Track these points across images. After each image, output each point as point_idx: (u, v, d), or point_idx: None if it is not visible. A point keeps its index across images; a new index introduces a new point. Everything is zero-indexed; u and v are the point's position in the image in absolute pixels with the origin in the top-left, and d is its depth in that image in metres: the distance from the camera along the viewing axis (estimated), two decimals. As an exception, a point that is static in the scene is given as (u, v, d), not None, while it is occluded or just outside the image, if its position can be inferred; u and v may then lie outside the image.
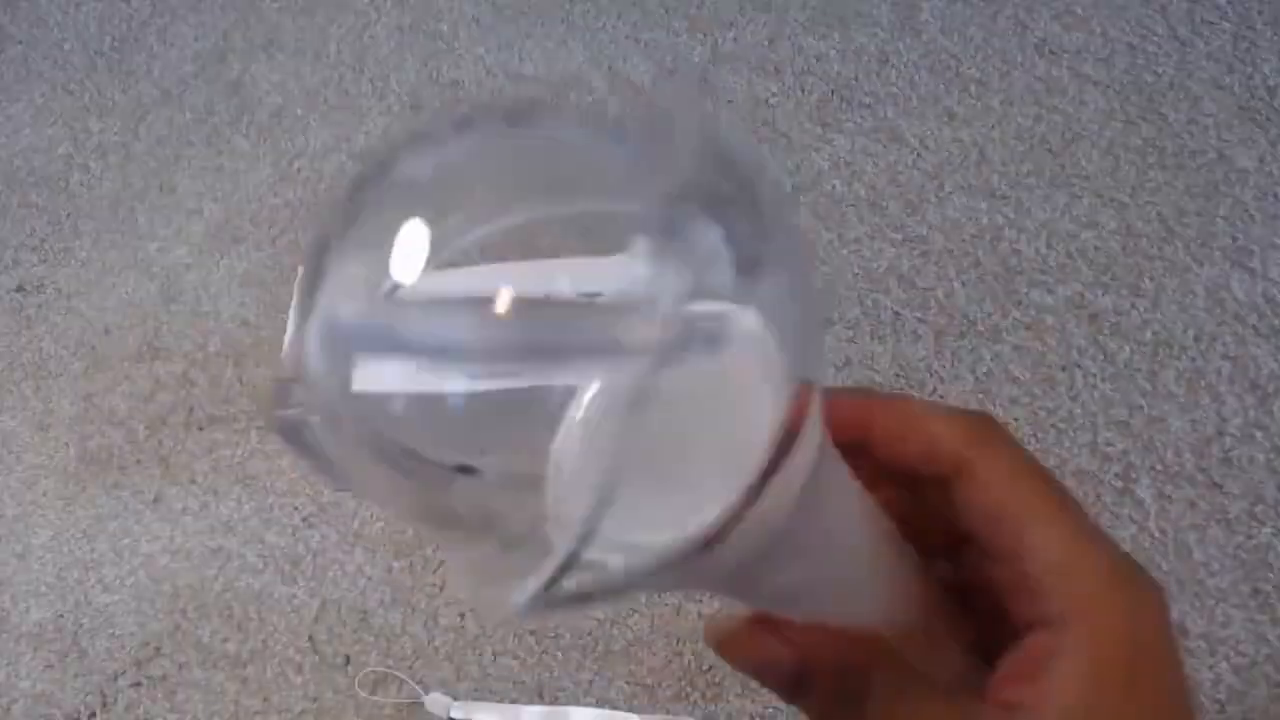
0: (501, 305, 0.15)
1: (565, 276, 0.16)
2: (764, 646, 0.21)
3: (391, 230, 0.16)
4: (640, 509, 0.16)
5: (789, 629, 0.21)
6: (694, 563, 0.16)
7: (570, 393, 0.16)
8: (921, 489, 0.22)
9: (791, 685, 0.21)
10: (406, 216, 0.16)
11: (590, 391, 0.16)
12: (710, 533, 0.16)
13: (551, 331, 0.15)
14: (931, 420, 0.22)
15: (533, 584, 0.15)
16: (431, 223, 0.16)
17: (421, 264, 0.15)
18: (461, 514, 0.16)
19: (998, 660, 0.21)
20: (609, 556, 0.16)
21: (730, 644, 0.21)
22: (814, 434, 0.17)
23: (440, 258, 0.15)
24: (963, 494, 0.21)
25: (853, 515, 0.21)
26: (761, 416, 0.16)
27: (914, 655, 0.22)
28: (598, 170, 0.18)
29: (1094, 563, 0.21)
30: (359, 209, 0.17)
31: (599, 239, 0.16)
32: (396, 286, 0.15)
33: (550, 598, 0.15)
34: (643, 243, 0.15)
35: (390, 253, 0.15)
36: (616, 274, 0.15)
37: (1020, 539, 0.21)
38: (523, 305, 0.15)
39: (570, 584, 0.15)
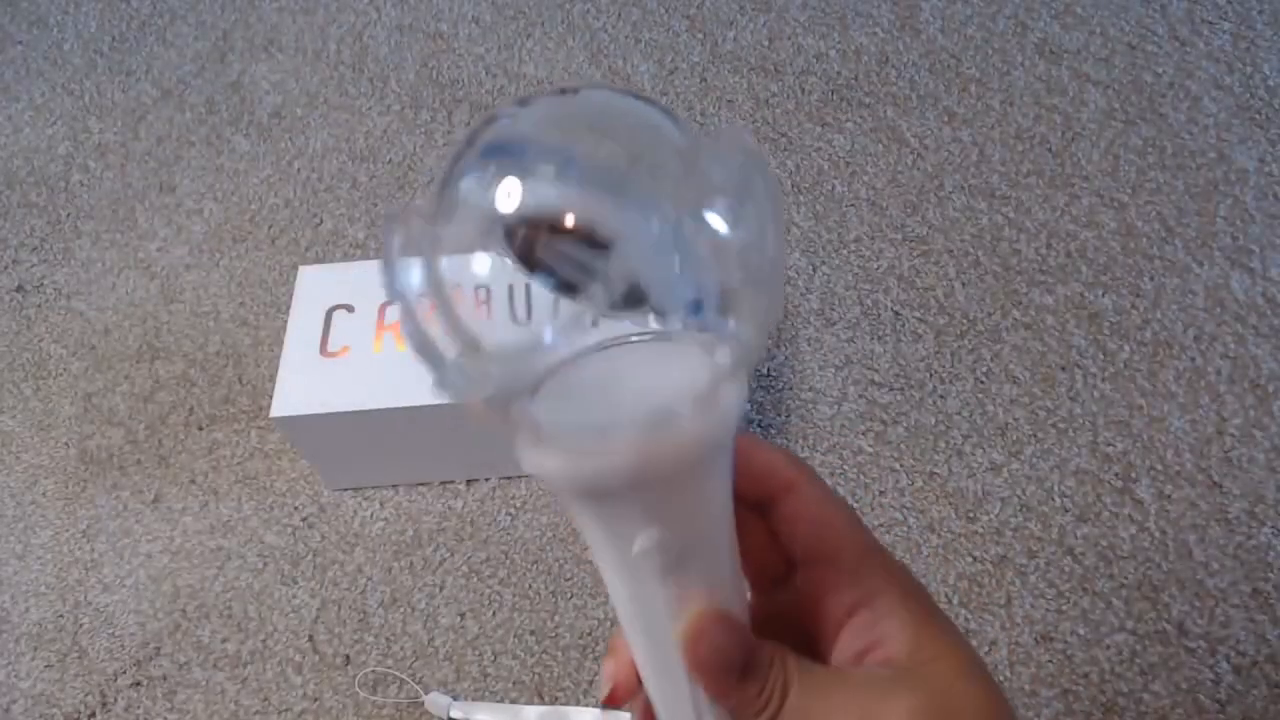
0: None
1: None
2: (726, 636, 0.26)
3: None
4: (597, 406, 0.22)
5: (735, 621, 0.26)
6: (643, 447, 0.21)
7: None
8: (757, 521, 0.28)
9: (739, 675, 0.26)
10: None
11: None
12: (668, 413, 0.21)
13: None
14: (766, 450, 0.28)
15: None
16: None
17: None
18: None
19: (824, 660, 0.27)
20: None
21: (698, 631, 0.26)
22: (729, 413, 0.22)
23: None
24: (790, 507, 0.28)
25: (724, 516, 0.25)
26: (704, 382, 0.22)
27: None
28: (663, 142, 0.23)
29: (885, 553, 0.28)
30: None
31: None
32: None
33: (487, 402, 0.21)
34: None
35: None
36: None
37: (834, 543, 0.28)
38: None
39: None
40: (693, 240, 0.21)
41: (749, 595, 0.29)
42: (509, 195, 0.21)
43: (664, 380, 0.23)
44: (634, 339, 0.24)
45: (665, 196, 0.22)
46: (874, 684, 0.26)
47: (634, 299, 0.21)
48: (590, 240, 0.21)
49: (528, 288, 0.22)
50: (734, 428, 0.23)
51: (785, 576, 0.29)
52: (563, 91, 0.24)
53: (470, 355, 0.22)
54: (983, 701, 0.26)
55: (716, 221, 0.22)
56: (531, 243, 0.21)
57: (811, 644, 0.28)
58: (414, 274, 0.21)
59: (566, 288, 0.21)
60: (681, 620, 0.25)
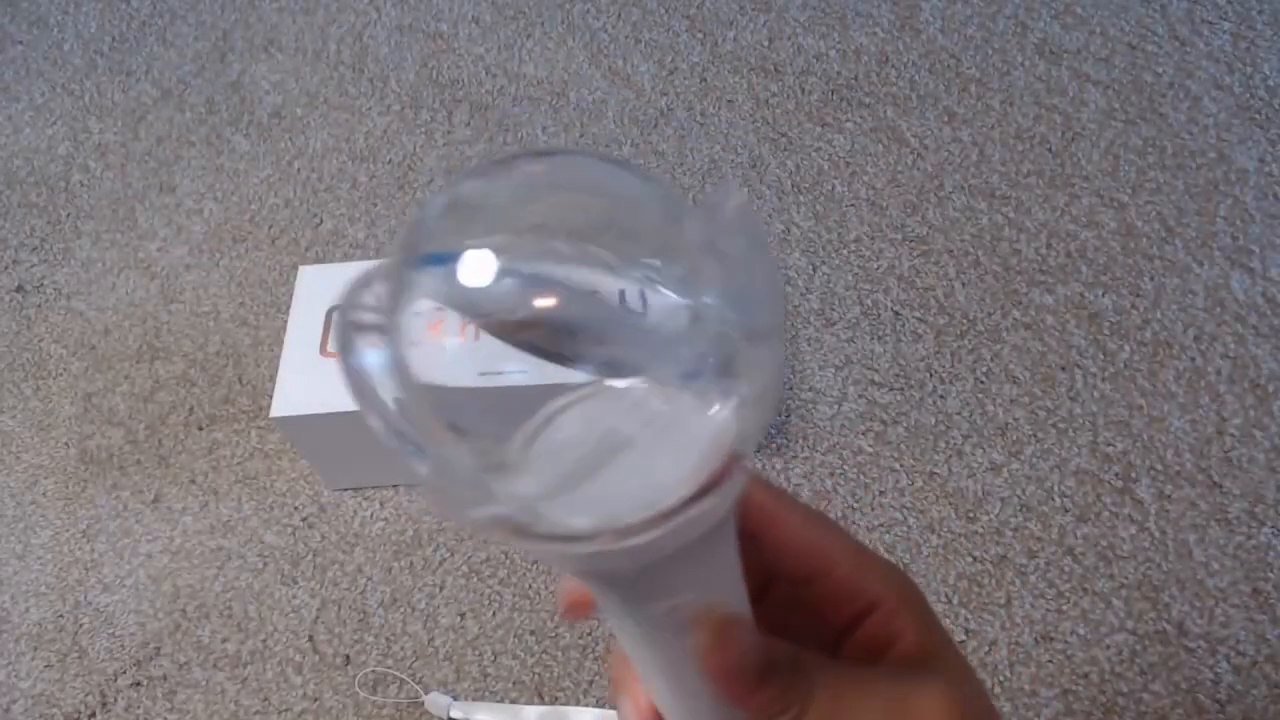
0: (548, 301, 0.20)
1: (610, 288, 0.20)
2: (739, 639, 0.25)
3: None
4: (593, 494, 0.20)
5: (747, 624, 0.26)
6: (621, 543, 0.20)
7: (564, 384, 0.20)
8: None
9: (755, 678, 0.25)
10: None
11: (579, 388, 0.20)
12: (651, 516, 0.19)
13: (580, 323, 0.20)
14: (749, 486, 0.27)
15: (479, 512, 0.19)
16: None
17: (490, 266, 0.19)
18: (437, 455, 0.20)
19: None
20: (555, 514, 0.20)
21: (709, 636, 0.25)
22: (734, 488, 0.21)
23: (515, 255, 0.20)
24: (774, 538, 0.28)
25: (735, 568, 0.25)
26: (706, 458, 0.20)
27: None
28: (643, 208, 0.22)
29: (875, 556, 0.28)
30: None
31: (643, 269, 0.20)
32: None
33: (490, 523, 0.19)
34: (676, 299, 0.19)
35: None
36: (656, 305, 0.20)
37: (826, 558, 0.28)
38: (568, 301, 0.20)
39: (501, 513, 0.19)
40: (675, 310, 0.20)
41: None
42: (474, 281, 0.19)
43: (666, 451, 0.21)
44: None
45: (642, 266, 0.20)
46: (898, 677, 0.26)
47: (628, 368, 0.21)
48: (568, 320, 0.20)
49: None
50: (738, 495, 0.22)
51: (762, 592, 0.29)
52: (538, 155, 0.23)
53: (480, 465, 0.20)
54: (981, 688, 0.27)
55: (708, 288, 0.20)
56: (506, 327, 0.20)
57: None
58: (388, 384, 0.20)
59: (550, 355, 0.20)
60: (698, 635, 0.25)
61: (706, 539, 0.22)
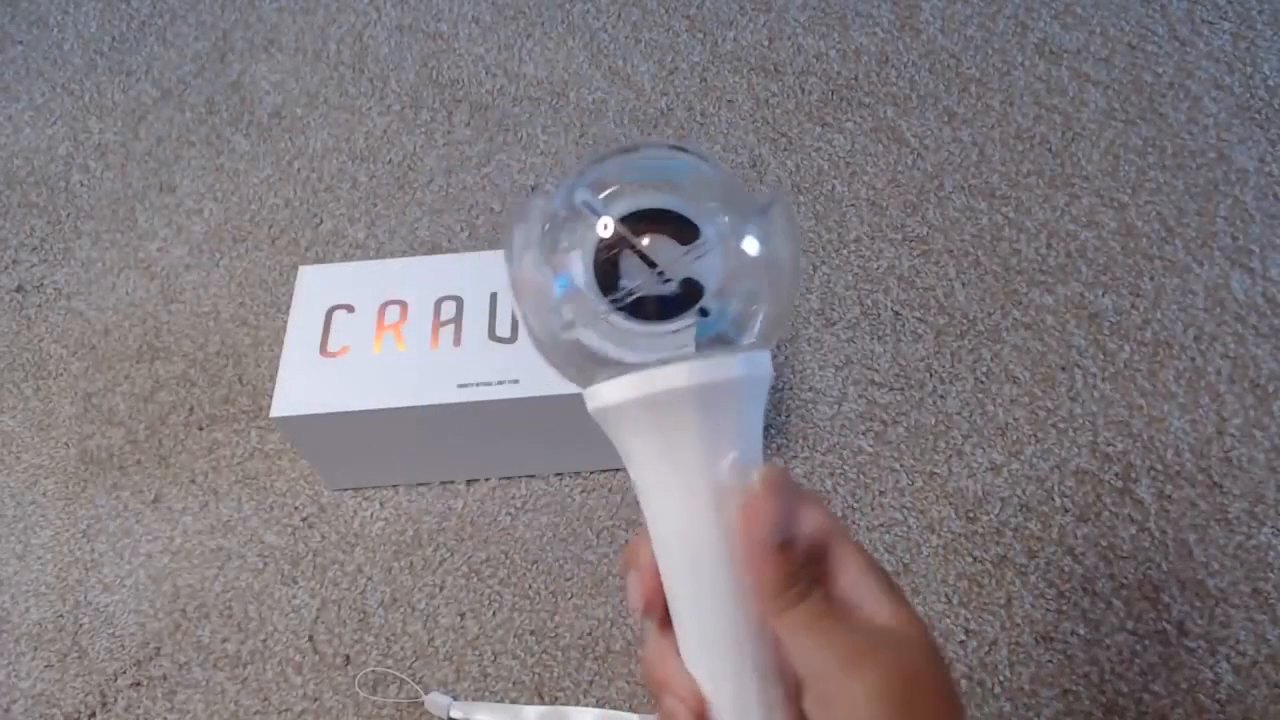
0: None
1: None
2: (779, 508, 0.29)
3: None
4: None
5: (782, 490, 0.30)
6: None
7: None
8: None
9: (779, 543, 0.29)
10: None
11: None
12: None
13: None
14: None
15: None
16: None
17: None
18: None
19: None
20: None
21: (771, 488, 0.30)
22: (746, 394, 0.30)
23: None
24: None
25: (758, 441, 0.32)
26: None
27: None
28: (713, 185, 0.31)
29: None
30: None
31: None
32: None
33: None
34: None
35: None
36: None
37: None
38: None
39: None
40: (735, 253, 0.30)
41: None
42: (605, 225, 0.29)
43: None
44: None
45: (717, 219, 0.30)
46: (871, 633, 0.29)
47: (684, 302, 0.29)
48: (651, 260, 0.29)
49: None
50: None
51: None
52: (626, 150, 0.32)
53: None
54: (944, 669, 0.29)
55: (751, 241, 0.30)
56: (615, 257, 0.29)
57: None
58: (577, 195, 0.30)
59: (636, 309, 0.29)
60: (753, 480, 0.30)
61: (758, 398, 0.30)
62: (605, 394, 0.29)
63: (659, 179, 0.31)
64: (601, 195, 0.30)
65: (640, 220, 0.29)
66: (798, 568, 0.29)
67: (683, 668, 0.31)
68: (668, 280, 0.29)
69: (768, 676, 0.30)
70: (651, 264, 0.29)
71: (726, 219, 0.30)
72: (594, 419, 0.31)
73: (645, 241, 0.29)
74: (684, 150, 0.32)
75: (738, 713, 0.30)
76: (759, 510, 0.29)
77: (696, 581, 0.30)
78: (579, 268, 0.29)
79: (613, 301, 0.29)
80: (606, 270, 0.29)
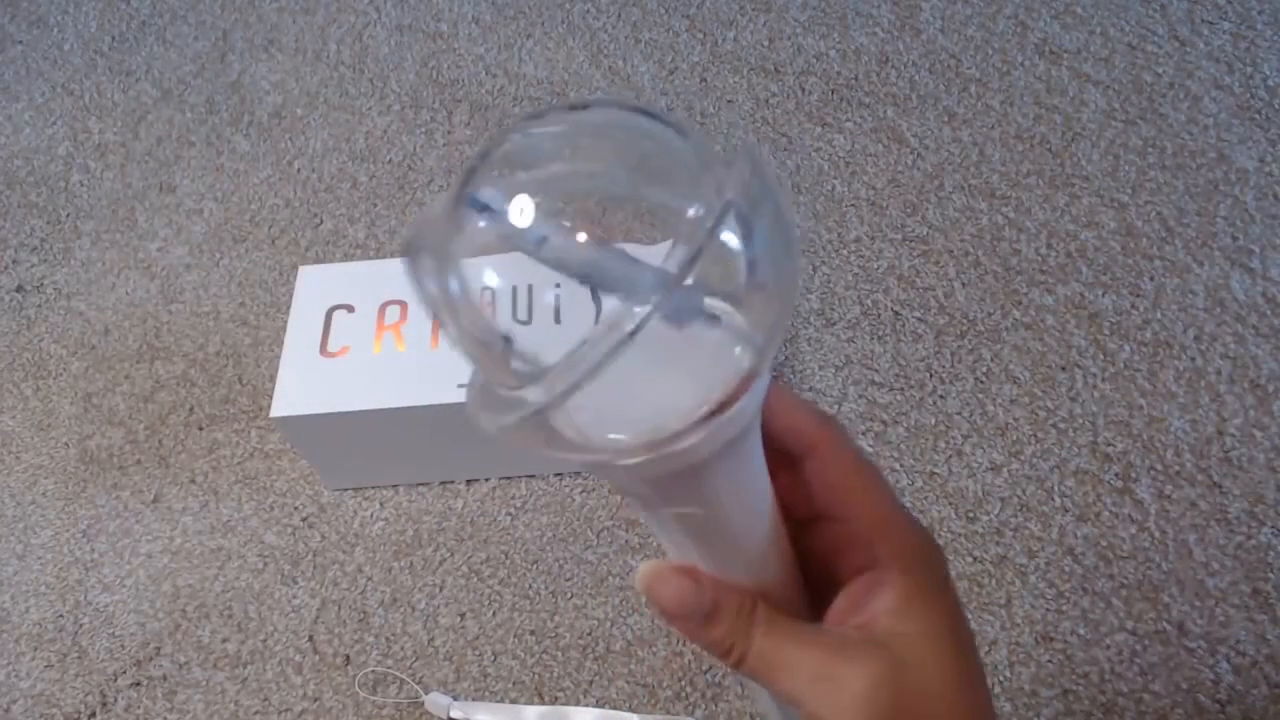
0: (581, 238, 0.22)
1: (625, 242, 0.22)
2: (686, 586, 0.27)
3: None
4: (613, 411, 0.23)
5: (700, 574, 0.28)
6: (655, 453, 0.23)
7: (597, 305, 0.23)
8: (787, 470, 0.29)
9: (702, 620, 0.27)
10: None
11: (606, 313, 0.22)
12: (674, 431, 0.22)
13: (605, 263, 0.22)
14: (795, 410, 0.29)
15: (509, 419, 0.22)
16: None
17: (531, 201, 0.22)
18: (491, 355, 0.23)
19: (825, 611, 0.28)
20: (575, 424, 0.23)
21: (658, 582, 0.27)
22: (751, 404, 0.24)
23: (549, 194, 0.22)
24: (809, 469, 0.29)
25: (758, 487, 0.27)
26: (722, 378, 0.23)
27: (776, 601, 0.28)
28: (672, 158, 0.24)
29: (901, 523, 0.28)
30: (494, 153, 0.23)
31: (661, 220, 0.23)
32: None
33: (518, 427, 0.22)
34: (688, 235, 0.21)
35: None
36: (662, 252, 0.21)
37: (851, 505, 0.28)
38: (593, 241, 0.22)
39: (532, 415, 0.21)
40: (711, 243, 0.21)
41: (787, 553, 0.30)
42: (524, 210, 0.22)
43: (681, 377, 0.24)
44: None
45: (687, 201, 0.22)
46: (841, 644, 0.26)
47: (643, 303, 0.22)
48: (593, 263, 0.22)
49: (530, 290, 0.24)
50: (747, 422, 0.24)
51: (810, 521, 0.30)
52: (572, 107, 0.24)
53: (504, 373, 0.23)
54: (951, 678, 0.26)
55: (729, 232, 0.22)
56: (560, 249, 0.22)
57: (824, 592, 0.29)
58: (448, 282, 0.23)
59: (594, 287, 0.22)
60: (644, 574, 0.28)
61: (716, 463, 0.24)
62: (583, 458, 0.23)
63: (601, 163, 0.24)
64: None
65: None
66: (730, 630, 0.27)
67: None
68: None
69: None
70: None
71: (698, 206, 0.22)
72: (620, 485, 0.27)
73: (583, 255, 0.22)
74: (643, 112, 0.24)
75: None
76: (657, 594, 0.27)
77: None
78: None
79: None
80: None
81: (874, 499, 0.29)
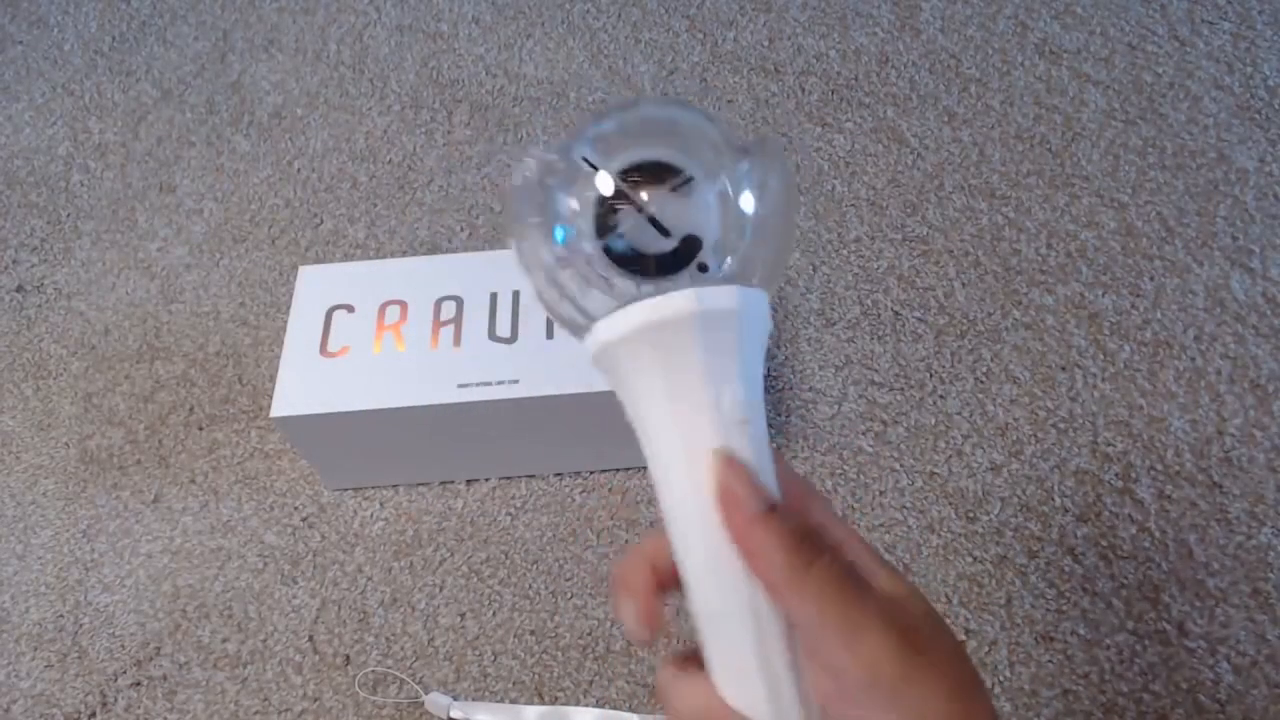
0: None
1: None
2: (744, 472, 0.29)
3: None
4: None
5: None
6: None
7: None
8: None
9: (769, 508, 0.28)
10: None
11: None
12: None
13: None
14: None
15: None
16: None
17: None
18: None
19: None
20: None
21: (728, 468, 0.29)
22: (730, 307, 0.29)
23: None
24: None
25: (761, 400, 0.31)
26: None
27: None
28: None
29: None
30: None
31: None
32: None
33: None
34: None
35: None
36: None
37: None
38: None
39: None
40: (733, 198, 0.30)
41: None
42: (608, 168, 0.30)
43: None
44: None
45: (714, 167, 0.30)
46: (882, 599, 0.28)
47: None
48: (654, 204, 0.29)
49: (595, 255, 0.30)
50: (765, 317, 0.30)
51: None
52: (627, 105, 0.32)
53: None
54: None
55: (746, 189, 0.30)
56: (614, 201, 0.29)
57: None
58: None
59: (630, 258, 0.29)
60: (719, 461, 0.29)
61: (755, 335, 0.30)
62: (607, 329, 0.29)
63: (656, 132, 0.31)
64: (599, 152, 0.30)
65: (638, 173, 0.29)
66: (794, 529, 0.28)
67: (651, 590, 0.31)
68: (664, 231, 0.29)
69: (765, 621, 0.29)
70: (642, 211, 0.29)
71: (721, 170, 0.30)
72: (596, 366, 0.31)
73: (642, 194, 0.29)
74: (680, 104, 0.32)
75: (732, 656, 0.29)
76: (729, 482, 0.28)
77: (704, 523, 0.29)
78: (579, 223, 0.29)
79: (608, 248, 0.29)
80: (607, 226, 0.29)
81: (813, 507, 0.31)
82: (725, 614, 0.29)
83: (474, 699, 0.58)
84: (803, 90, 0.87)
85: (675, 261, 0.29)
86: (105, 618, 0.63)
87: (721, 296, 0.29)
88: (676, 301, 0.28)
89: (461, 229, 0.80)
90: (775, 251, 0.31)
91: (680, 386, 0.29)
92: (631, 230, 0.29)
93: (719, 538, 0.29)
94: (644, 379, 0.29)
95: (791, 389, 0.69)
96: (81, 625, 0.63)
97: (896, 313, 0.72)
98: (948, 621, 0.58)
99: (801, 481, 0.31)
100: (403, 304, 0.64)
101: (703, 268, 0.29)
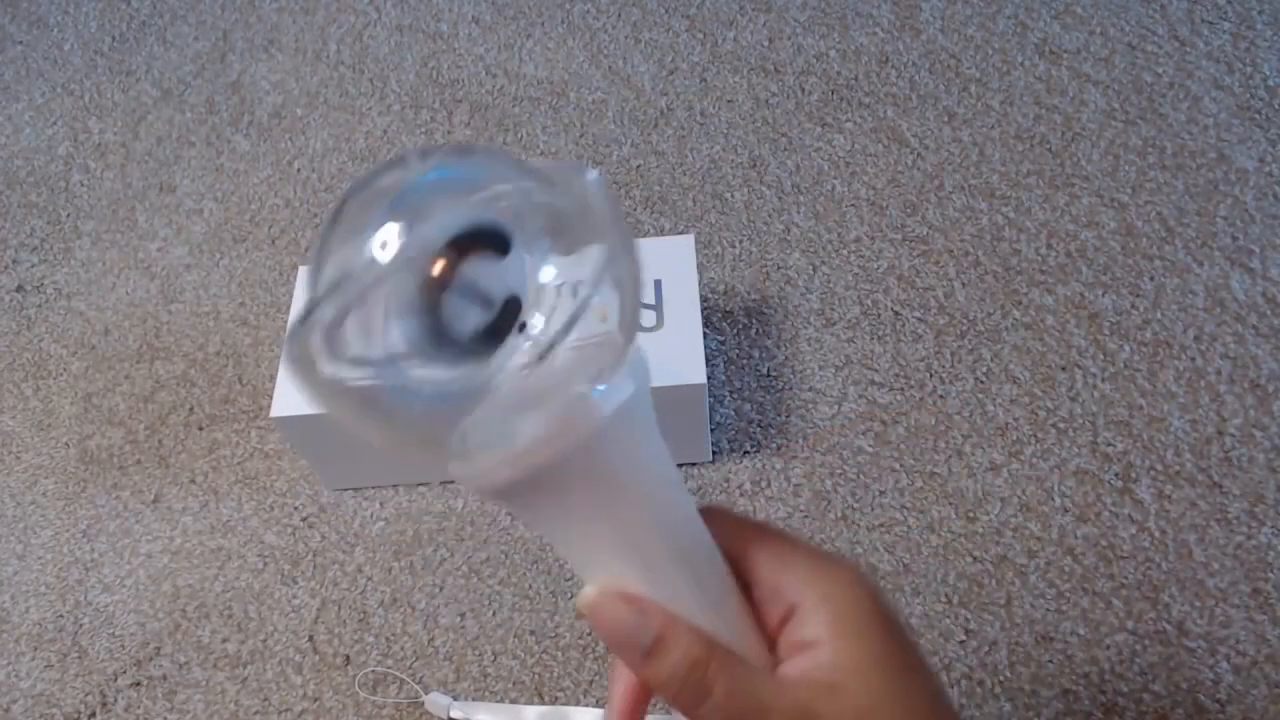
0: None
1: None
2: (626, 614, 0.27)
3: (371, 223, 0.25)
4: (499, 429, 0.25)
5: (648, 604, 0.27)
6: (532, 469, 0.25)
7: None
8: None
9: (648, 651, 0.26)
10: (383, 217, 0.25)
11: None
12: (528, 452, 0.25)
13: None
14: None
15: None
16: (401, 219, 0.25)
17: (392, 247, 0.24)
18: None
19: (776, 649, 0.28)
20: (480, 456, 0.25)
21: (597, 609, 0.27)
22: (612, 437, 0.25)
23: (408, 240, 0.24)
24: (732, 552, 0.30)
25: (664, 498, 0.28)
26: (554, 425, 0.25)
27: (733, 644, 0.28)
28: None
29: (801, 557, 0.28)
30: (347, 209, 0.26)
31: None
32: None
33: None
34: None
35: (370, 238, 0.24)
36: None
37: (748, 559, 0.29)
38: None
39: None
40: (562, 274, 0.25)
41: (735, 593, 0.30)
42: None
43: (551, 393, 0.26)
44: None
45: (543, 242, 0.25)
46: (801, 689, 0.26)
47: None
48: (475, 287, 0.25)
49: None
50: (595, 437, 0.25)
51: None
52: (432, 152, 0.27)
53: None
54: (884, 693, 0.27)
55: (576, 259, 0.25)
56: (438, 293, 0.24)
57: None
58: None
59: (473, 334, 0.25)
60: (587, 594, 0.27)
61: (579, 465, 0.26)
62: (500, 468, 0.25)
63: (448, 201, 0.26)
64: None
65: (452, 249, 0.24)
66: (677, 668, 0.26)
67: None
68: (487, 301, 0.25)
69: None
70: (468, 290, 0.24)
71: (527, 214, 0.25)
72: (483, 497, 0.28)
73: (465, 270, 0.24)
74: (462, 154, 0.28)
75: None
76: (612, 622, 0.27)
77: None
78: (399, 331, 0.24)
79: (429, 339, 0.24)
80: (431, 322, 0.24)
81: (775, 544, 0.29)
82: None
83: (474, 699, 0.58)
84: (803, 90, 0.87)
85: (497, 328, 0.25)
86: (105, 618, 0.63)
87: (614, 389, 0.25)
88: (590, 408, 0.25)
89: (461, 229, 0.80)
90: (622, 281, 0.26)
91: (586, 518, 0.26)
92: (455, 313, 0.24)
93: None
94: (575, 500, 0.26)
95: (791, 389, 0.69)
96: (81, 625, 0.63)
97: (896, 313, 0.72)
98: (947, 622, 0.58)
99: (747, 526, 0.30)
100: (403, 304, 0.64)
101: (522, 326, 0.25)
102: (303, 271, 0.66)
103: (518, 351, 0.24)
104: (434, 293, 0.24)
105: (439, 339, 0.24)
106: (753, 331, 0.72)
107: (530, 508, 0.27)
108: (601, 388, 0.25)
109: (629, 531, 0.27)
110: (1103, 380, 0.68)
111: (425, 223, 0.24)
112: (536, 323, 0.24)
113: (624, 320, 0.26)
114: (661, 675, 0.26)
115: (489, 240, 0.25)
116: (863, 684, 0.26)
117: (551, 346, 0.24)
